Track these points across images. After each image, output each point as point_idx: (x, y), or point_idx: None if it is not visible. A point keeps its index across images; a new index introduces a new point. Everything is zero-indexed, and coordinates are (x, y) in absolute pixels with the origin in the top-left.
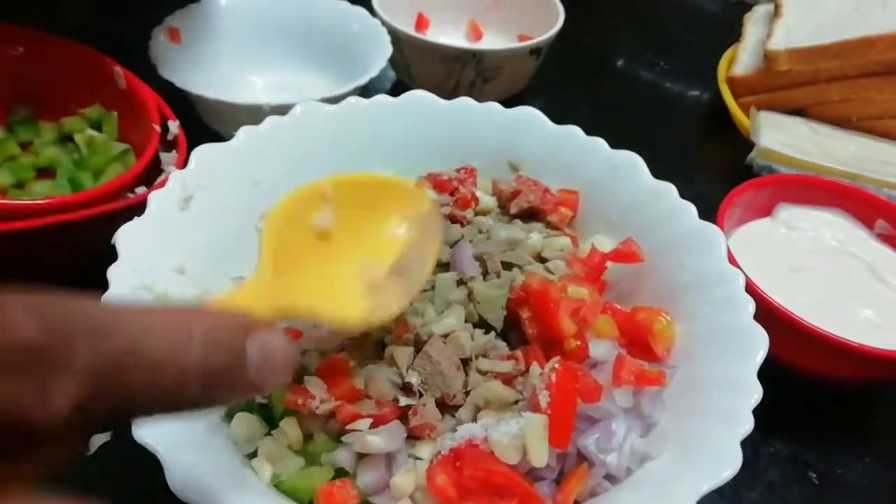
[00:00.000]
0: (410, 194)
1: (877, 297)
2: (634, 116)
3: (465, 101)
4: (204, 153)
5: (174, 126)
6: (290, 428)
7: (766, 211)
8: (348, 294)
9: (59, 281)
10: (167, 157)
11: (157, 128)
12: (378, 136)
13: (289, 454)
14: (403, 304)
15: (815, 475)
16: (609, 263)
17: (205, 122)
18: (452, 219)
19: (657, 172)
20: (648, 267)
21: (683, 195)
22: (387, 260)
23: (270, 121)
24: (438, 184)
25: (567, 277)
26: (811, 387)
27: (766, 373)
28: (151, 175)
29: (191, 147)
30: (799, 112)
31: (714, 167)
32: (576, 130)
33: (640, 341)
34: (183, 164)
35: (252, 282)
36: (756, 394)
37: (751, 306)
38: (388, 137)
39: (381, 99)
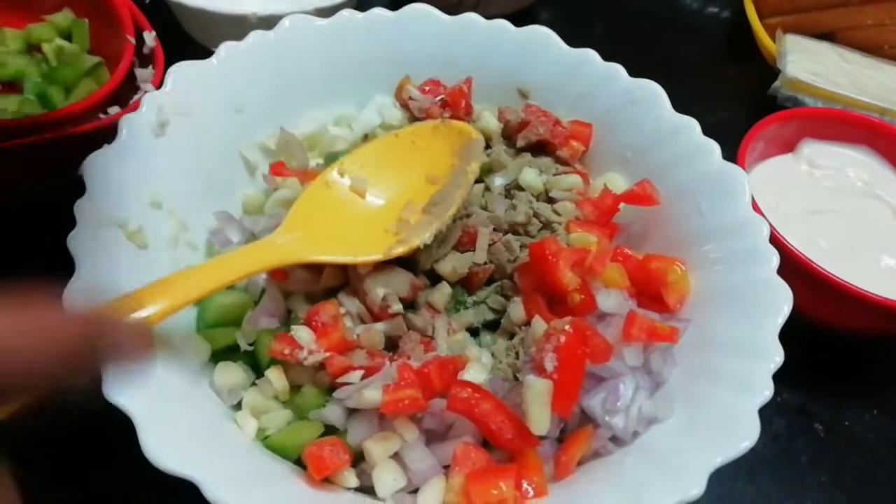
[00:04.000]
0: (459, 129)
1: None
2: (650, 34)
3: (472, 18)
4: (181, 73)
5: (150, 38)
6: (276, 378)
7: (790, 146)
8: (372, 235)
9: (27, 212)
10: (143, 74)
11: (132, 39)
12: (374, 56)
13: (275, 406)
14: (426, 237)
15: (821, 427)
16: (622, 204)
17: (185, 31)
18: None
19: (674, 97)
20: (664, 210)
21: (701, 122)
22: (427, 196)
23: (255, 36)
24: (430, 85)
25: (575, 221)
26: (823, 336)
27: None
28: (125, 93)
29: (169, 61)
30: (828, 36)
31: (735, 93)
32: (591, 55)
33: (651, 291)
34: (160, 80)
35: (272, 236)
36: (777, 357)
37: (775, 260)
38: (384, 57)
39: (378, 13)
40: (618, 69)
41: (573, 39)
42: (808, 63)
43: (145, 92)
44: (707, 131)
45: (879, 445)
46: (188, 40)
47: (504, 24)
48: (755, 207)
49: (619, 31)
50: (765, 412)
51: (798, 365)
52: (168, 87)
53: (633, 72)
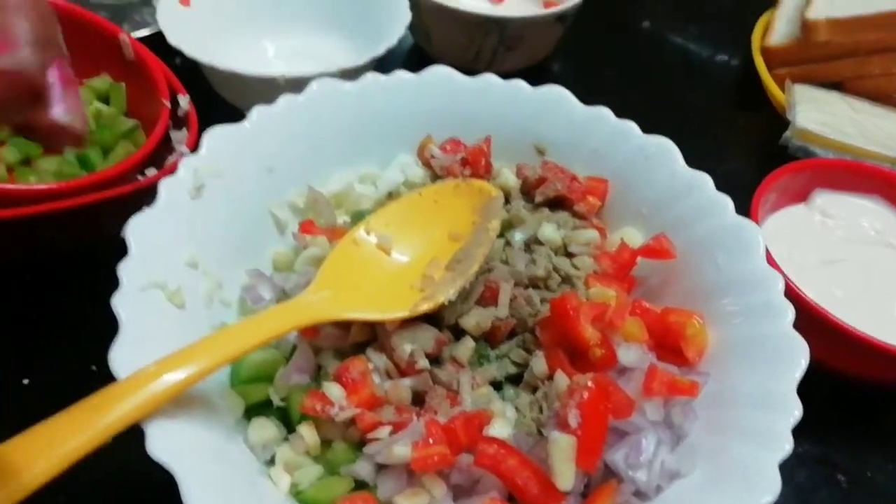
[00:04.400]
0: (479, 187)
1: None
2: (661, 84)
3: (490, 79)
4: (215, 137)
5: (184, 101)
6: (307, 433)
7: (802, 196)
8: (398, 291)
9: (69, 268)
10: (178, 136)
11: (167, 103)
12: (398, 116)
13: (307, 461)
14: (451, 294)
15: (843, 478)
16: (639, 258)
17: (216, 92)
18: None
19: (686, 147)
20: (681, 264)
21: (714, 172)
22: (450, 253)
23: (285, 100)
24: (451, 144)
25: (594, 275)
26: (842, 386)
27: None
28: (161, 155)
29: (201, 120)
30: (836, 86)
31: (746, 142)
32: (605, 112)
33: (670, 344)
34: (194, 142)
35: (304, 295)
36: (797, 411)
37: (790, 314)
38: (408, 117)
39: (401, 76)
40: (631, 126)
41: (585, 90)
42: (817, 113)
43: (180, 153)
44: (720, 181)
45: None
46: (219, 100)
47: (520, 84)
48: (770, 260)
49: (631, 81)
50: (786, 464)
51: (818, 415)
52: (203, 150)
53: (646, 122)
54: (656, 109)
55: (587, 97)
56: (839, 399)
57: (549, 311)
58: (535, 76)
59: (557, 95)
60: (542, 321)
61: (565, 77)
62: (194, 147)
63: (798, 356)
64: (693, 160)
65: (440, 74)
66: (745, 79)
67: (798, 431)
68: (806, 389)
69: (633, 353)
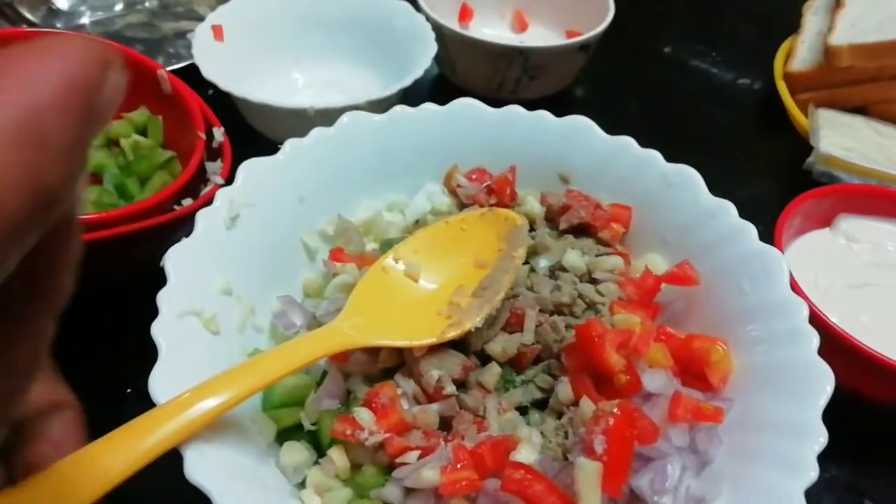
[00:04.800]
0: (505, 216)
1: None
2: (684, 110)
3: (515, 110)
4: (250, 169)
5: (219, 133)
6: (337, 457)
7: (826, 221)
8: (426, 317)
9: (109, 297)
10: (212, 167)
11: (202, 135)
12: (425, 147)
13: (337, 484)
14: (477, 321)
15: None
16: (663, 284)
17: (247, 121)
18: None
19: (710, 172)
20: (705, 290)
21: (738, 197)
22: (476, 280)
23: (317, 132)
24: (477, 173)
25: (618, 302)
26: (871, 411)
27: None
28: (196, 185)
29: (235, 151)
30: (860, 110)
31: (769, 167)
32: (629, 142)
33: (694, 370)
34: (228, 173)
35: (335, 323)
36: (822, 438)
37: (815, 340)
38: (434, 148)
39: (429, 108)
40: (655, 155)
41: (608, 116)
42: (841, 138)
43: (215, 184)
44: (743, 206)
45: None
46: (251, 131)
47: (545, 115)
48: (794, 286)
49: (653, 107)
50: (813, 490)
51: (846, 441)
52: (239, 182)
53: (669, 147)
54: (679, 135)
55: (610, 123)
56: (868, 425)
57: (575, 338)
58: (559, 103)
59: (582, 125)
60: (567, 347)
61: (588, 103)
62: (228, 178)
63: (823, 383)
64: (717, 185)
65: (466, 106)
66: (767, 104)
67: (826, 457)
68: (834, 415)
69: (657, 380)
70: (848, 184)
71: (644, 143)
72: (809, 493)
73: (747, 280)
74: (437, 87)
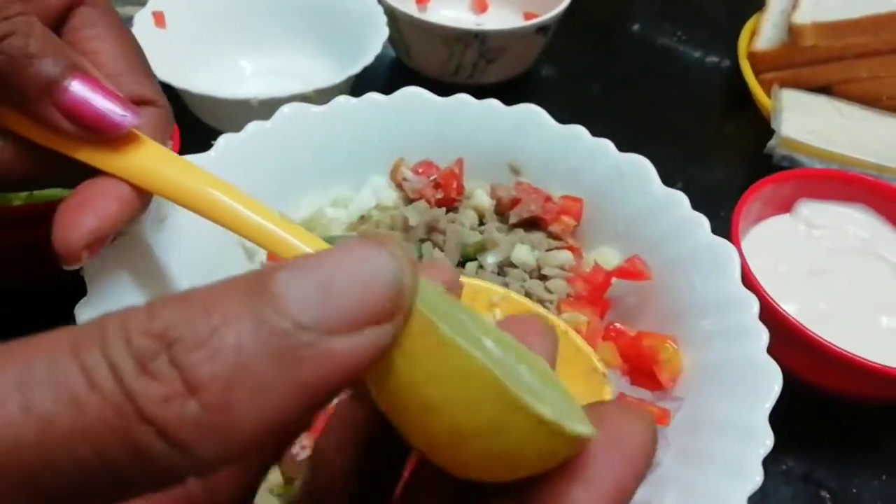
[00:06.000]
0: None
1: None
2: (650, 91)
3: (463, 99)
4: None
5: None
6: (271, 473)
7: (786, 206)
8: None
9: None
10: None
11: None
12: (369, 139)
13: (272, 500)
14: None
15: (828, 495)
16: (615, 279)
17: (193, 113)
18: (440, 203)
19: (672, 155)
20: (657, 284)
21: (699, 181)
22: None
23: (252, 127)
24: (424, 166)
25: (565, 300)
26: (828, 401)
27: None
28: None
29: (184, 142)
30: (824, 89)
31: (734, 150)
32: (580, 131)
33: (644, 368)
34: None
35: None
36: (768, 440)
37: (764, 337)
38: (379, 140)
39: (373, 98)
40: (606, 145)
41: (570, 98)
42: (803, 120)
43: None
44: (707, 190)
45: None
46: (198, 121)
47: (494, 104)
48: (749, 276)
49: (619, 87)
50: (770, 482)
51: (804, 431)
52: None
53: (633, 129)
54: (644, 118)
55: (572, 106)
56: (825, 415)
57: None
58: (519, 86)
59: (532, 114)
60: None
61: (551, 85)
62: None
63: (770, 383)
64: (678, 168)
65: (412, 95)
66: (733, 84)
67: (783, 448)
68: (790, 406)
69: None
70: (808, 168)
71: (607, 125)
72: (766, 486)
73: (698, 274)
74: (393, 73)
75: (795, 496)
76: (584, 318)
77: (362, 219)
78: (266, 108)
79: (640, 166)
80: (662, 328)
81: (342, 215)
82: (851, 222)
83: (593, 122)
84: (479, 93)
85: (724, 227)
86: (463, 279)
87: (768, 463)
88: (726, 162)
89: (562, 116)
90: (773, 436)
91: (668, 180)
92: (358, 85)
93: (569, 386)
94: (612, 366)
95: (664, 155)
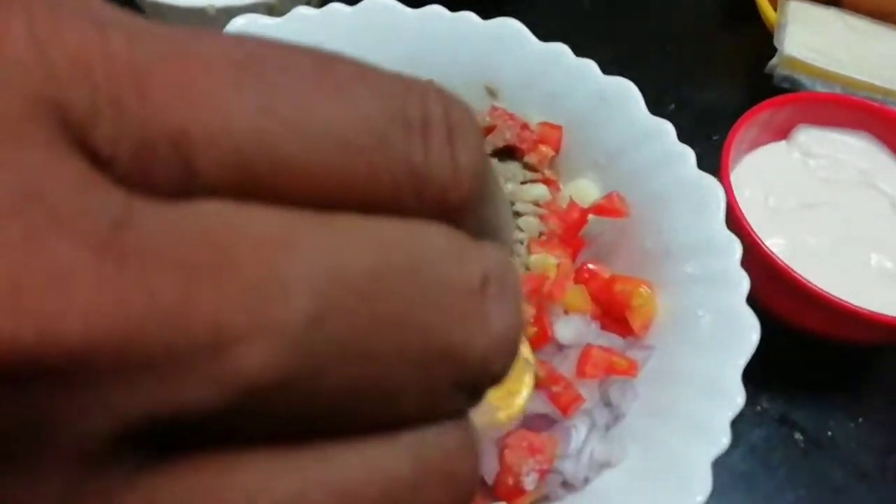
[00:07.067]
0: None
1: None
2: (641, 2)
3: (436, 11)
4: None
5: None
6: None
7: (784, 132)
8: None
9: None
10: None
11: None
12: None
13: None
14: None
15: (801, 437)
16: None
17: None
18: None
19: (666, 72)
20: (635, 223)
21: (695, 101)
22: None
23: None
24: None
25: (537, 240)
26: (808, 341)
27: (762, 324)
28: None
29: None
30: (834, 1)
31: (733, 68)
32: (563, 50)
33: (616, 313)
34: None
35: None
36: (739, 399)
37: (745, 285)
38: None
39: (336, 8)
40: (590, 66)
41: (560, 10)
42: (808, 36)
43: None
44: (698, 112)
45: (862, 457)
46: None
47: (470, 17)
48: (735, 211)
49: None
50: (743, 423)
51: (781, 371)
52: None
53: (625, 44)
54: (636, 31)
55: (560, 18)
56: (806, 356)
57: None
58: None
59: (511, 30)
60: None
61: None
62: None
63: (747, 337)
64: (671, 87)
65: (379, 5)
66: None
67: (758, 389)
68: (768, 346)
69: (571, 329)
70: (808, 92)
71: (595, 37)
72: (740, 428)
73: (680, 213)
74: None
75: (768, 438)
76: (553, 261)
77: None
78: (225, 17)
79: (625, 91)
80: (639, 270)
81: None
82: (851, 151)
83: (582, 32)
84: (456, 5)
85: (716, 152)
86: None
87: (745, 402)
88: (724, 81)
89: (548, 26)
90: (744, 394)
91: (658, 100)
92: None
93: None
94: (582, 310)
95: (656, 72)
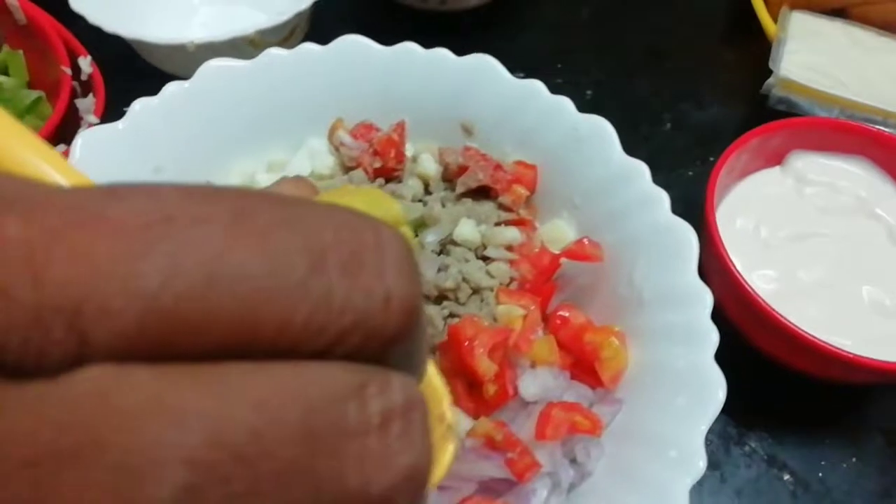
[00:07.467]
0: None
1: (893, 272)
2: (642, 14)
3: (409, 48)
4: (89, 141)
5: (86, 63)
6: None
7: (778, 158)
8: None
9: None
10: (84, 104)
11: (67, 70)
12: (304, 96)
13: None
14: None
15: (790, 478)
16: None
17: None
18: (378, 172)
19: (664, 88)
20: (610, 265)
21: (692, 120)
22: None
23: (170, 89)
24: (363, 129)
25: (505, 290)
26: (798, 380)
27: (750, 363)
28: (69, 128)
29: (119, 79)
30: (840, 12)
31: (733, 86)
32: (537, 87)
33: (586, 364)
34: (103, 110)
35: None
36: (701, 463)
37: (714, 341)
38: (315, 97)
39: (307, 49)
40: (564, 103)
41: (557, 25)
42: (809, 53)
43: (89, 124)
44: (695, 131)
45: (852, 499)
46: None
47: (444, 54)
48: (717, 247)
49: (609, 10)
50: (729, 464)
51: (770, 411)
52: (75, 160)
53: (624, 58)
54: (634, 44)
55: (558, 31)
56: (795, 395)
57: (447, 336)
58: (499, 13)
59: (486, 66)
60: (441, 345)
61: (533, 9)
62: (104, 115)
63: (714, 396)
64: (668, 103)
65: (351, 44)
66: (739, 5)
67: (747, 429)
68: (756, 384)
69: (537, 385)
70: (801, 117)
71: (595, 52)
72: (728, 467)
73: (652, 260)
74: (359, 2)
75: (758, 478)
76: (519, 312)
77: None
78: (205, 53)
79: (600, 130)
80: (613, 317)
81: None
82: (848, 178)
83: (579, 45)
84: (454, 19)
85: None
86: None
87: (730, 443)
88: (723, 98)
89: (547, 39)
90: (705, 458)
91: (655, 118)
92: (315, 22)
93: None
94: (549, 362)
95: (653, 87)
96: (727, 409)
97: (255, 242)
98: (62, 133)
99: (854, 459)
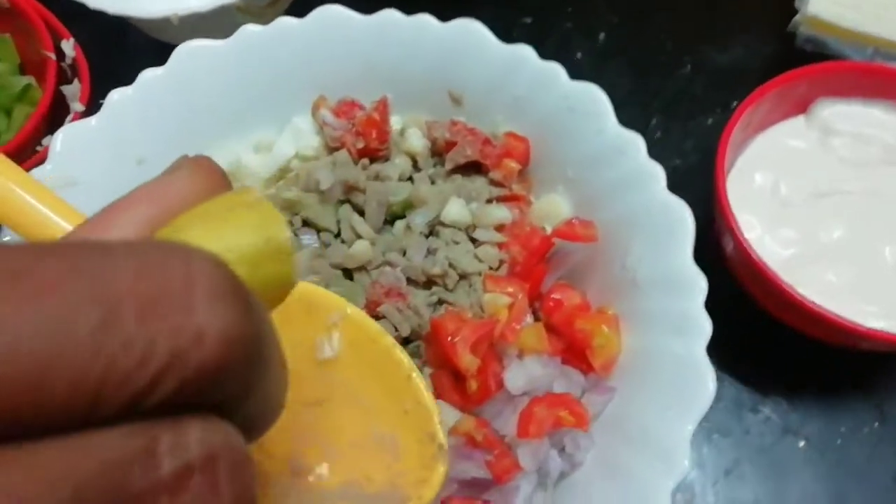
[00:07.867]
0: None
1: None
2: None
3: (391, 17)
4: (69, 136)
5: (68, 47)
6: None
7: (803, 106)
8: None
9: None
10: (70, 91)
11: (52, 55)
12: (286, 73)
13: None
14: None
15: (804, 443)
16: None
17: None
18: (362, 153)
19: (681, 31)
20: (605, 244)
21: (712, 62)
22: None
23: (146, 76)
24: (346, 106)
25: (493, 276)
26: (809, 348)
27: (767, 330)
28: (57, 115)
29: (101, 65)
30: None
31: (756, 20)
32: (527, 52)
33: (577, 350)
34: (89, 96)
35: None
36: (685, 462)
37: (707, 330)
38: (298, 72)
39: (285, 22)
40: (556, 70)
41: None
42: None
43: (75, 113)
44: (717, 75)
45: (871, 467)
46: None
47: (428, 21)
48: (727, 216)
49: None
50: (745, 431)
51: (787, 378)
52: (54, 155)
53: None
54: None
55: None
56: (810, 362)
57: (430, 329)
58: None
59: (471, 32)
60: (426, 336)
61: None
62: (89, 103)
63: (704, 390)
64: (687, 46)
65: (331, 15)
66: None
67: (763, 396)
68: (772, 350)
69: (523, 376)
70: (826, 62)
71: None
72: (744, 432)
73: (647, 241)
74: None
75: (774, 444)
76: (504, 301)
77: (282, 171)
78: (191, 23)
79: (593, 99)
80: (608, 298)
81: (264, 164)
82: (877, 125)
83: None
84: None
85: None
86: (302, 286)
87: (744, 410)
88: (746, 38)
89: None
90: (688, 457)
91: (674, 61)
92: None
93: (393, 438)
94: (538, 350)
95: (670, 28)
96: (740, 377)
97: (34, 302)
98: (52, 121)
99: (876, 424)
